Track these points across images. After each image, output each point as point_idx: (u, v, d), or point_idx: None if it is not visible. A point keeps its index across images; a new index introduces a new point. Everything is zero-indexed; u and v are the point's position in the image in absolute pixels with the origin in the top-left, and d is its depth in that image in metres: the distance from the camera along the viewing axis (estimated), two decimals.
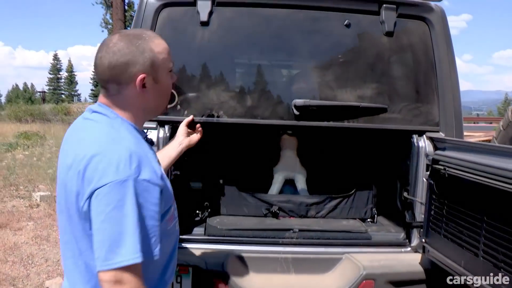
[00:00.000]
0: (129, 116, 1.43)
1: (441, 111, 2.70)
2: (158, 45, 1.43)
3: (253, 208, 2.95)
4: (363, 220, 3.01)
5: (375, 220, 3.01)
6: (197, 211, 2.94)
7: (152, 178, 1.29)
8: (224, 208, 2.96)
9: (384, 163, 3.17)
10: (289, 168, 3.22)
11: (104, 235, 1.21)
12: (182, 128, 2.30)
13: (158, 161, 1.48)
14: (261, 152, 3.37)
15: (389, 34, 2.64)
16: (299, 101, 2.51)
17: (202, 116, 2.52)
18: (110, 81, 1.39)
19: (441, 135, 2.70)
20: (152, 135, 2.51)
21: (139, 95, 1.41)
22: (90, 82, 75.01)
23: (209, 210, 2.95)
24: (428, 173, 2.55)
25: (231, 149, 3.22)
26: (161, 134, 2.56)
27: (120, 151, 1.27)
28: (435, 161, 2.41)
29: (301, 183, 3.22)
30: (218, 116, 2.52)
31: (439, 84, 2.68)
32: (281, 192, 3.27)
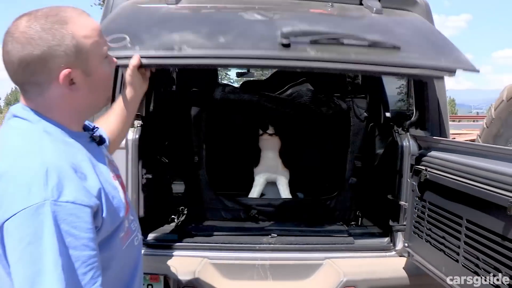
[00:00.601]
0: (59, 118, 1.15)
1: (425, 109, 2.59)
2: (83, 27, 1.12)
3: (231, 212, 2.83)
4: (347, 223, 2.89)
5: (359, 223, 2.89)
6: (172, 216, 2.82)
7: (78, 198, 1.02)
8: (200, 212, 2.84)
9: (369, 160, 3.05)
10: (270, 170, 3.10)
11: (19, 278, 0.97)
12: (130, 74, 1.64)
13: (106, 169, 1.23)
14: (241, 152, 3.26)
15: None
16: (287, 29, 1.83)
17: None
18: (27, 83, 1.11)
19: (425, 133, 2.58)
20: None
21: (67, 95, 1.13)
22: None
23: (184, 214, 2.84)
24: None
25: (208, 149, 3.08)
26: (130, 135, 2.44)
27: (34, 168, 1.01)
28: (417, 161, 2.29)
29: (283, 185, 3.10)
30: (180, 49, 1.75)
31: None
32: (262, 195, 3.16)
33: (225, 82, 14.31)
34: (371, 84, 3.28)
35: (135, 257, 1.38)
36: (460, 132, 15.43)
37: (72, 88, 1.14)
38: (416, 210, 2.28)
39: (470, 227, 1.75)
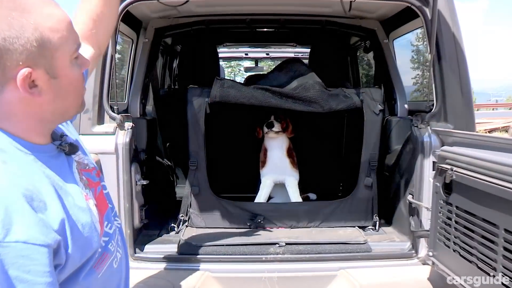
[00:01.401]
0: (15, 128, 0.95)
1: (447, 99, 2.30)
2: (49, 17, 0.91)
3: (235, 219, 2.59)
4: (363, 228, 2.62)
5: (376, 228, 2.62)
6: (172, 224, 2.59)
7: (32, 236, 0.83)
8: (201, 220, 2.60)
9: (385, 158, 2.77)
10: (278, 171, 2.85)
11: None
12: None
13: (75, 189, 1.03)
14: (245, 152, 3.02)
15: None
16: None
17: None
18: None
19: (448, 126, 2.30)
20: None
21: (27, 100, 0.92)
22: None
23: (185, 222, 2.61)
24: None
25: (209, 150, 2.84)
26: (120, 139, 2.22)
27: None
28: (441, 159, 2.02)
29: (292, 186, 2.84)
30: None
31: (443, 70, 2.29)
32: (270, 198, 2.91)
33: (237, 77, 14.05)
34: (385, 72, 3.00)
35: (116, 281, 1.17)
36: (480, 121, 14.96)
37: (33, 92, 0.92)
38: (441, 215, 2.00)
39: (509, 239, 1.48)
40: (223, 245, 2.34)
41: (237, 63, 13.71)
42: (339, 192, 3.33)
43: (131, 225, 2.30)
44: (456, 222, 1.87)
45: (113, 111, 2.34)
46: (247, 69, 6.44)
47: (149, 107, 3.43)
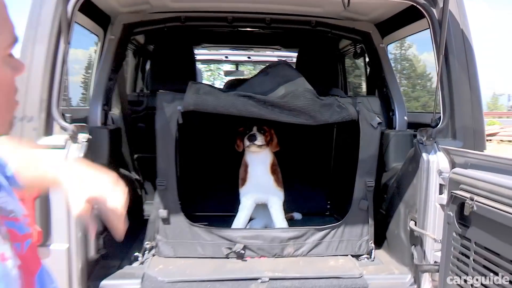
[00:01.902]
0: None
1: (456, 112, 2.01)
2: None
3: (210, 247, 2.23)
4: (357, 257, 2.29)
5: (372, 257, 2.29)
6: (136, 253, 2.21)
7: None
8: (170, 248, 2.23)
9: (383, 177, 2.46)
10: (260, 189, 2.50)
11: None
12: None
13: None
14: (222, 169, 2.67)
15: None
16: None
17: None
18: None
19: (457, 144, 2.00)
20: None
21: None
22: None
23: (151, 251, 2.23)
24: (444, 197, 1.87)
25: (181, 166, 2.48)
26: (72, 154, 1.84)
27: None
28: (454, 184, 1.71)
29: (276, 208, 2.50)
30: None
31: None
32: (251, 219, 2.57)
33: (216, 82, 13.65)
34: (382, 80, 2.69)
35: None
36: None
37: None
38: (455, 250, 1.69)
39: None
40: (195, 281, 1.97)
41: (217, 67, 13.31)
42: (327, 211, 3.03)
43: (85, 257, 1.92)
44: (474, 260, 1.56)
45: (64, 119, 1.95)
46: (227, 73, 6.09)
47: (117, 113, 3.06)
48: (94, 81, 2.50)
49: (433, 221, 1.95)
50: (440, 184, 1.95)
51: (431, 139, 2.01)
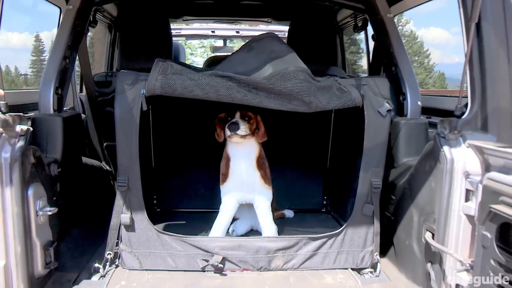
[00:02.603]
0: None
1: (488, 98, 1.60)
2: None
3: (182, 259, 1.84)
4: (359, 270, 1.92)
5: (377, 271, 1.92)
6: (96, 265, 1.82)
7: None
8: (135, 259, 1.85)
9: (390, 172, 2.07)
10: (244, 188, 2.09)
11: None
12: None
13: None
14: (199, 163, 2.28)
15: None
16: None
17: None
18: None
19: (489, 138, 1.60)
20: None
21: None
22: None
23: (113, 262, 1.85)
24: (471, 206, 1.48)
25: (146, 160, 2.08)
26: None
27: None
28: (490, 194, 1.31)
29: (262, 208, 2.11)
30: None
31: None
32: (235, 219, 2.18)
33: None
34: (390, 58, 2.26)
35: None
36: None
37: None
38: (493, 274, 1.30)
39: None
40: None
41: (210, 43, 12.69)
42: (322, 208, 2.65)
43: (28, 274, 1.54)
44: None
45: None
46: (214, 49, 5.61)
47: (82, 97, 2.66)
48: (47, 60, 2.06)
49: (457, 235, 1.57)
50: (466, 189, 1.56)
51: (455, 132, 1.60)
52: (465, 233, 1.55)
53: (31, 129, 1.62)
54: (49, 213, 1.66)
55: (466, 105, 1.67)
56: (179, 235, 1.86)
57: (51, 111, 1.98)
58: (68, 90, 2.22)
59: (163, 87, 1.74)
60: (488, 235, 1.28)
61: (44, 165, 1.74)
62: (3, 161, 1.48)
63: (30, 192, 1.58)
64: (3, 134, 1.50)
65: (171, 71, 1.77)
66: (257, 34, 4.54)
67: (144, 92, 1.76)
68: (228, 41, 5.26)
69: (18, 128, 1.56)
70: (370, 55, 3.03)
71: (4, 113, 1.55)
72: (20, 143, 1.54)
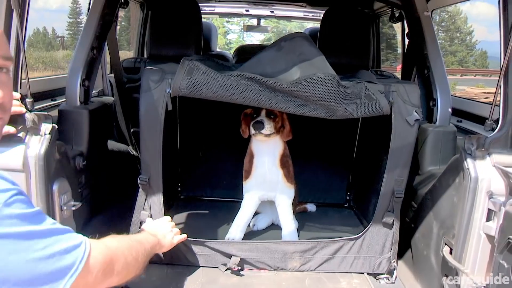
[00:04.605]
0: None
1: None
2: None
3: (200, 257, 1.91)
4: (375, 275, 1.94)
5: (393, 277, 1.93)
6: None
7: None
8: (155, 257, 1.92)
9: (415, 179, 2.05)
10: (266, 185, 2.12)
11: None
12: None
13: None
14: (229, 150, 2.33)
15: None
16: None
17: None
18: None
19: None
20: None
21: None
22: None
23: None
24: (492, 226, 1.46)
25: (169, 156, 2.12)
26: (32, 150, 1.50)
27: None
28: (511, 220, 1.29)
29: (283, 207, 2.14)
30: None
31: None
32: (257, 213, 2.23)
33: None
34: (423, 59, 2.18)
35: None
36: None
37: None
38: None
39: None
40: None
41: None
42: (345, 203, 2.65)
43: None
44: None
45: (26, 106, 1.58)
46: (248, 28, 5.54)
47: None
48: (74, 51, 2.10)
49: (475, 254, 1.55)
50: (489, 208, 1.53)
51: (483, 149, 1.56)
52: (483, 253, 1.53)
53: (56, 126, 1.63)
54: (73, 208, 1.71)
55: (497, 121, 1.61)
56: (196, 239, 1.91)
57: (78, 103, 2.02)
58: (97, 74, 2.25)
59: (189, 88, 1.76)
60: (505, 264, 1.27)
61: (69, 159, 1.78)
62: (29, 159, 1.54)
63: (55, 187, 1.61)
64: (29, 133, 1.57)
65: (197, 71, 1.78)
66: (291, 16, 4.44)
67: (170, 91, 1.79)
68: (262, 20, 5.18)
69: (43, 126, 1.61)
70: (405, 48, 2.93)
71: (30, 111, 1.60)
72: (45, 141, 1.59)
